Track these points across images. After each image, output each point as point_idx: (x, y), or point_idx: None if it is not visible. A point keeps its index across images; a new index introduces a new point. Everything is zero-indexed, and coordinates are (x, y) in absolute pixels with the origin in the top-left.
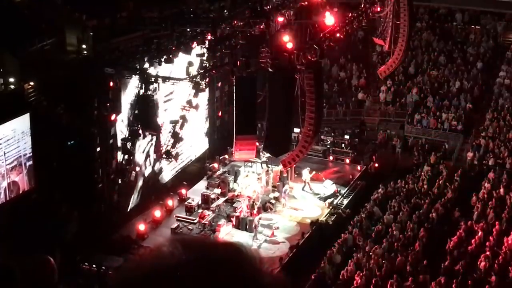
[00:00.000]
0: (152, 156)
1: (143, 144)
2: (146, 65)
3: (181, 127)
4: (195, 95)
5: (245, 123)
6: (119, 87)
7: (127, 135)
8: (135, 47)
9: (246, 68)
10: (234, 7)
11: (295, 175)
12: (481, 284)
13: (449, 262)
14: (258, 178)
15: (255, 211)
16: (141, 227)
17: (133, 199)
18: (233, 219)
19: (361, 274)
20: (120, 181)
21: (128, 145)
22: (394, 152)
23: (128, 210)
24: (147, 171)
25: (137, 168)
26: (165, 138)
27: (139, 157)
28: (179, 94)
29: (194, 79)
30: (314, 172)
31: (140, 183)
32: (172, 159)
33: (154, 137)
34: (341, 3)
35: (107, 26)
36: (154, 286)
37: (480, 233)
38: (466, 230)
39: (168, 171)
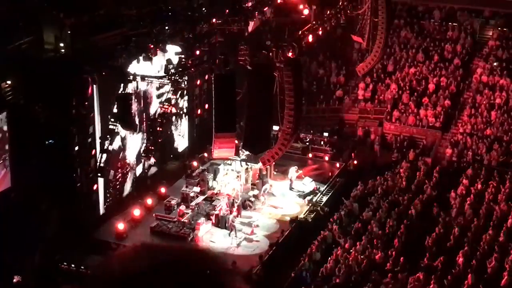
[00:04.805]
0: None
1: (128, 142)
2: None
3: (161, 125)
4: (174, 93)
5: (224, 121)
6: (97, 85)
7: (105, 134)
8: (113, 45)
9: (225, 66)
10: (212, 5)
11: (274, 173)
12: (459, 280)
13: (428, 258)
14: (238, 176)
15: (234, 209)
16: (120, 226)
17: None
18: (213, 217)
19: (340, 270)
20: (98, 180)
21: (106, 143)
22: (373, 149)
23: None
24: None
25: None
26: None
27: (124, 154)
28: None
29: (173, 77)
30: (300, 172)
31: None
32: (152, 157)
33: (134, 135)
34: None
35: (85, 24)
36: None
37: (458, 229)
38: (445, 226)
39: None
